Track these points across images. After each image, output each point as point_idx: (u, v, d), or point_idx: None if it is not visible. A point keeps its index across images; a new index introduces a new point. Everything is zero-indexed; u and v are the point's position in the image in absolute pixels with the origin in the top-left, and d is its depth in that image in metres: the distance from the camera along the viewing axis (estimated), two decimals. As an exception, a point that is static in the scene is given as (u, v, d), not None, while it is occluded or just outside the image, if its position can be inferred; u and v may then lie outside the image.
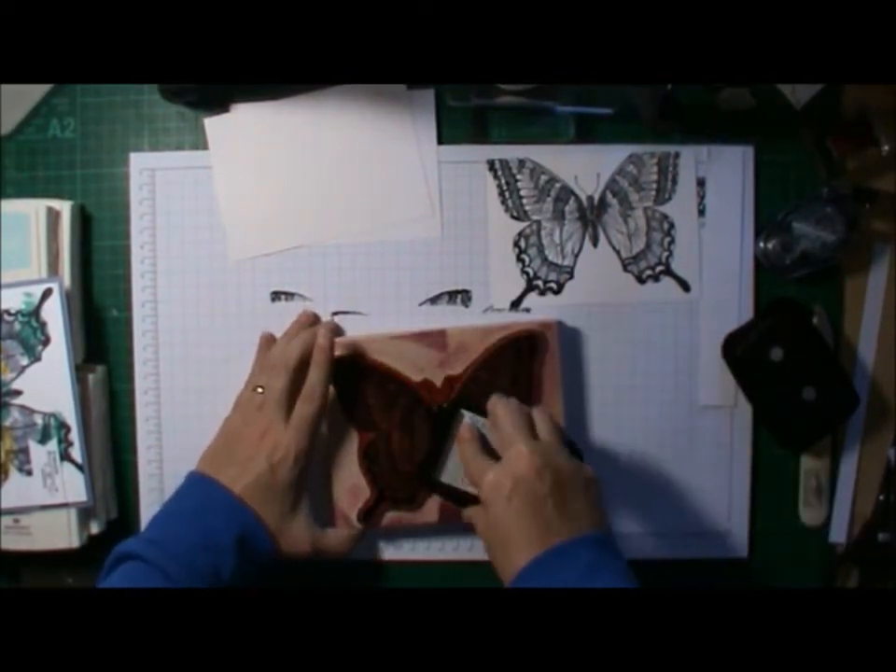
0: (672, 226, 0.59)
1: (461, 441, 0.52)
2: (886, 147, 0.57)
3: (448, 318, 0.58)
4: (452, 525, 0.55)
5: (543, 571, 0.43)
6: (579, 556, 0.43)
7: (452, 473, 0.53)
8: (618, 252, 0.59)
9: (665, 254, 0.59)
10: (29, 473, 0.56)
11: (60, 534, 0.56)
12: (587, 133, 0.59)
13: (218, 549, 0.48)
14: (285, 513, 0.51)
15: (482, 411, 0.52)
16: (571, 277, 0.59)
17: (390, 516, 0.55)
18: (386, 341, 0.56)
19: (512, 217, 0.59)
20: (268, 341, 0.57)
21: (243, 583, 0.48)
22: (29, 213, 0.56)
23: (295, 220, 0.59)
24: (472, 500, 0.50)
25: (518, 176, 0.59)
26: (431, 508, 0.55)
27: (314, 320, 0.58)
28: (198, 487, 0.51)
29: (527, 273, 0.59)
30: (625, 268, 0.59)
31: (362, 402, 0.56)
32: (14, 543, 0.56)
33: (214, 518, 0.49)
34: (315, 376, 0.53)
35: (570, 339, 0.59)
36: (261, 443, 0.51)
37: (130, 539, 0.49)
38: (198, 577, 0.46)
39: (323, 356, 0.53)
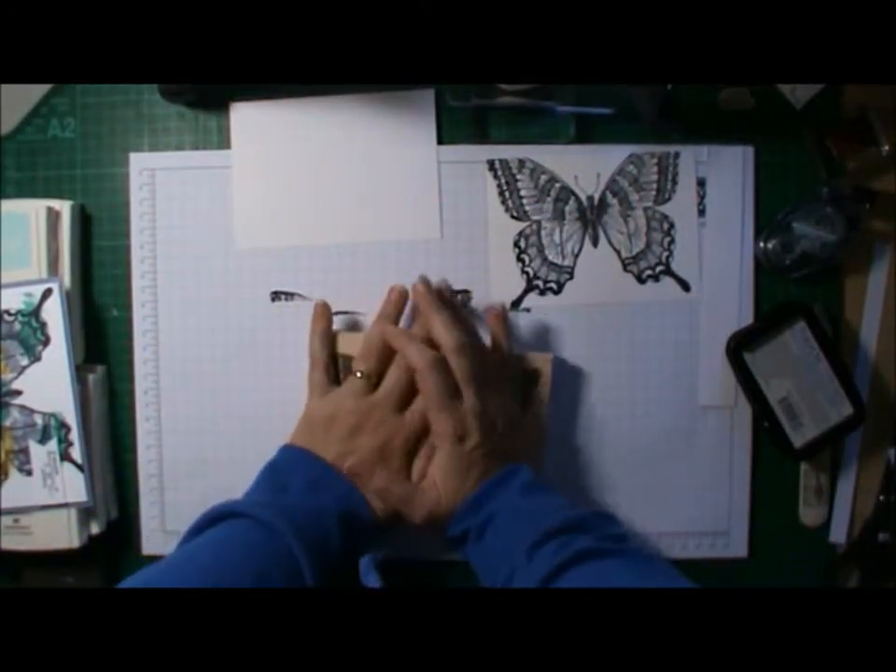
0: (672, 226, 0.59)
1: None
2: (886, 147, 0.57)
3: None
4: None
5: (489, 489, 0.50)
6: (516, 477, 0.50)
7: None
8: (618, 252, 0.59)
9: (665, 254, 0.59)
10: (29, 473, 0.56)
11: (60, 534, 0.56)
12: (587, 133, 0.59)
13: (328, 523, 0.49)
14: (391, 482, 0.52)
15: None
16: (571, 277, 0.59)
17: None
18: None
19: (512, 217, 0.59)
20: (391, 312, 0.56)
21: (346, 557, 0.49)
22: (29, 213, 0.56)
23: (296, 219, 0.59)
24: None
25: (518, 176, 0.59)
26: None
27: (404, 296, 0.56)
28: (304, 463, 0.52)
29: (527, 273, 0.59)
30: (625, 268, 0.59)
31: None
32: (14, 543, 0.56)
33: (324, 494, 0.50)
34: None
35: (570, 339, 0.59)
36: (376, 430, 0.52)
37: (226, 502, 0.49)
38: (304, 541, 0.46)
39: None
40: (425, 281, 0.55)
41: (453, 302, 0.56)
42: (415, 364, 0.51)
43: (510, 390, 0.54)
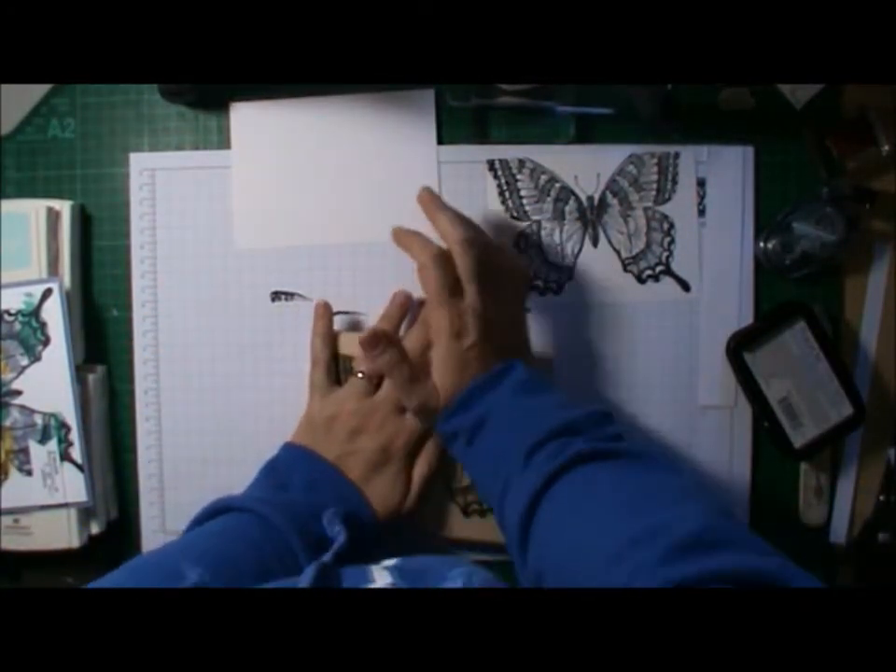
0: (672, 226, 0.59)
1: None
2: (886, 147, 0.57)
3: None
4: None
5: (482, 386, 0.49)
6: (509, 374, 0.49)
7: None
8: (618, 252, 0.59)
9: (665, 254, 0.59)
10: (29, 473, 0.56)
11: (60, 534, 0.56)
12: (587, 133, 0.59)
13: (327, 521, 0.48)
14: (386, 485, 0.52)
15: None
16: (571, 277, 0.59)
17: None
18: None
19: (512, 217, 0.59)
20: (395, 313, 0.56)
21: (345, 554, 0.48)
22: (29, 213, 0.56)
23: (296, 219, 0.59)
24: None
25: (518, 176, 0.59)
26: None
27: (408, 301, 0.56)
28: (305, 462, 0.52)
29: (527, 273, 0.59)
30: (625, 268, 0.59)
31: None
32: (14, 543, 0.56)
33: (323, 494, 0.50)
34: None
35: (570, 339, 0.59)
36: (378, 432, 0.52)
37: (225, 497, 0.49)
38: (304, 539, 0.46)
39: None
40: (428, 188, 0.54)
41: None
42: (418, 258, 0.51)
43: (513, 289, 0.53)
